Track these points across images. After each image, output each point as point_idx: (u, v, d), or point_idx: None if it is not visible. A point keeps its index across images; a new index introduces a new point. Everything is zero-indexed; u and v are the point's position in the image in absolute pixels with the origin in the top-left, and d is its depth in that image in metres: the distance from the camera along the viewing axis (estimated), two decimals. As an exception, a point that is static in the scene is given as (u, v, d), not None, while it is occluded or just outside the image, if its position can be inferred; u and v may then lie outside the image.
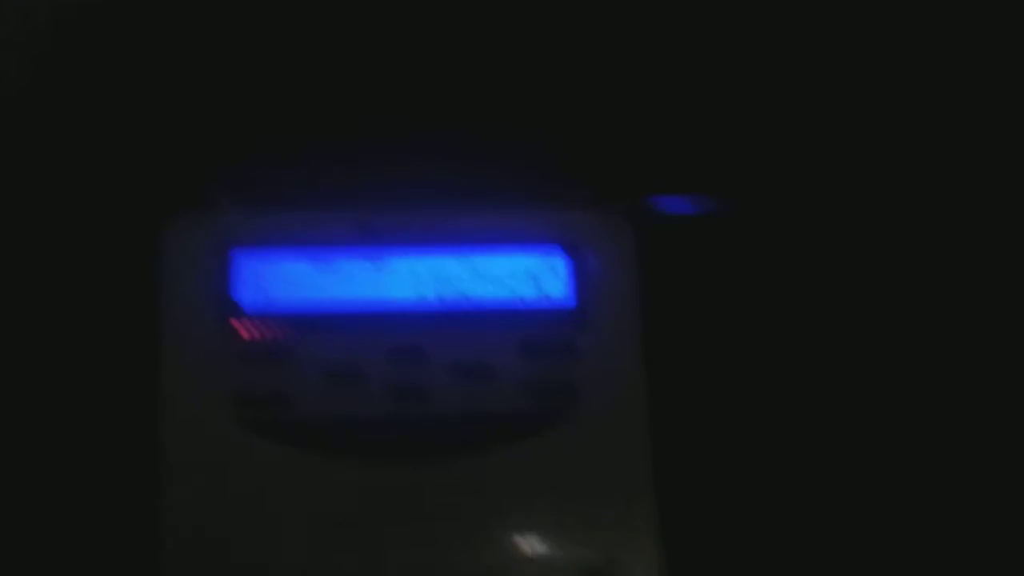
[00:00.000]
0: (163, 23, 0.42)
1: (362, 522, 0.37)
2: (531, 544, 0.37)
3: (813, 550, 0.41)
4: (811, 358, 0.43)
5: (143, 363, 0.38)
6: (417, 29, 0.44)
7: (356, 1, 0.43)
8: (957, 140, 0.45)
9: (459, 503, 0.37)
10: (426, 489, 0.37)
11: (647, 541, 0.38)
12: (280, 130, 0.42)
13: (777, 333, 0.43)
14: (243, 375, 0.37)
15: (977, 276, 0.44)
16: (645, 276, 0.41)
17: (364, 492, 0.37)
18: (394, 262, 0.39)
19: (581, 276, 0.40)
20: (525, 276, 0.40)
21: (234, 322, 0.38)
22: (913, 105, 0.45)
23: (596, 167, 0.43)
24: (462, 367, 0.38)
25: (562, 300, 0.40)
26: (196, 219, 0.39)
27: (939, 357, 0.43)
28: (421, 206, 0.40)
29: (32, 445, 0.38)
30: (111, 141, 0.42)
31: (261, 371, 0.38)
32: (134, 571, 0.37)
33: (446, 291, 0.39)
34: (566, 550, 0.37)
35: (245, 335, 0.38)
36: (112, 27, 0.42)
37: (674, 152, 0.44)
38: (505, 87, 0.44)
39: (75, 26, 0.42)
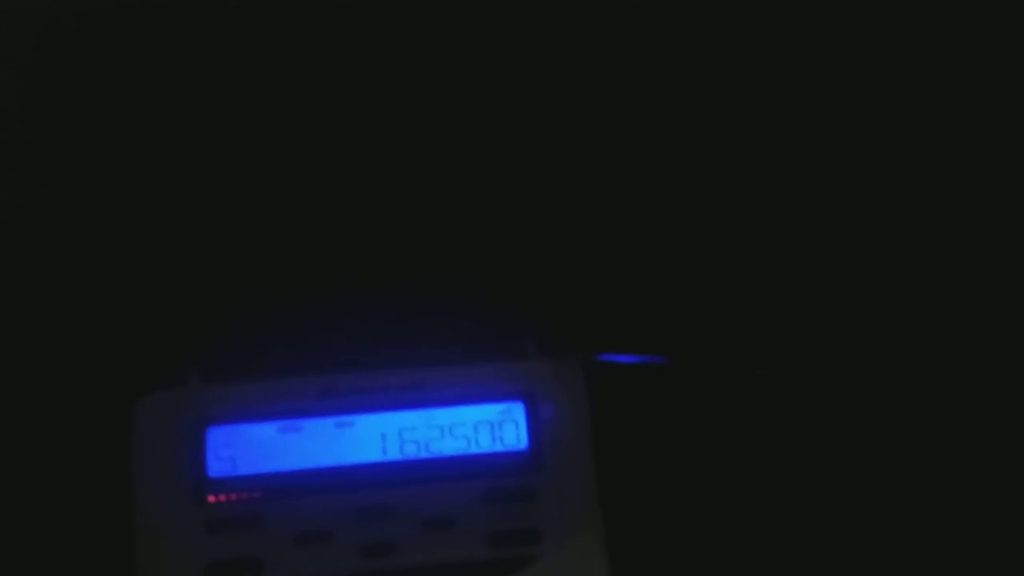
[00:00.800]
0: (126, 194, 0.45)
1: None
2: None
3: None
4: (764, 494, 0.45)
5: (117, 536, 0.39)
6: (365, 186, 0.47)
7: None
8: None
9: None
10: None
11: None
12: (246, 298, 0.45)
13: (725, 467, 0.45)
14: (216, 544, 0.39)
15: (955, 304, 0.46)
16: (598, 419, 0.43)
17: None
18: (358, 423, 0.41)
19: (538, 423, 0.42)
20: (485, 427, 0.42)
21: (207, 494, 0.39)
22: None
23: (549, 319, 0.46)
24: (429, 521, 0.40)
25: (520, 448, 0.42)
26: (165, 394, 0.40)
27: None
28: (382, 366, 0.42)
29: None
30: (82, 321, 0.44)
31: (234, 539, 0.39)
32: None
33: (410, 447, 0.41)
34: None
35: (216, 505, 0.39)
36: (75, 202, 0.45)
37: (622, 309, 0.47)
38: (462, 243, 0.47)
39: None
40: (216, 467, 0.40)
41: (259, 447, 0.40)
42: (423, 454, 0.41)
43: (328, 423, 0.41)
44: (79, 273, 0.45)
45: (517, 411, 0.42)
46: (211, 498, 0.39)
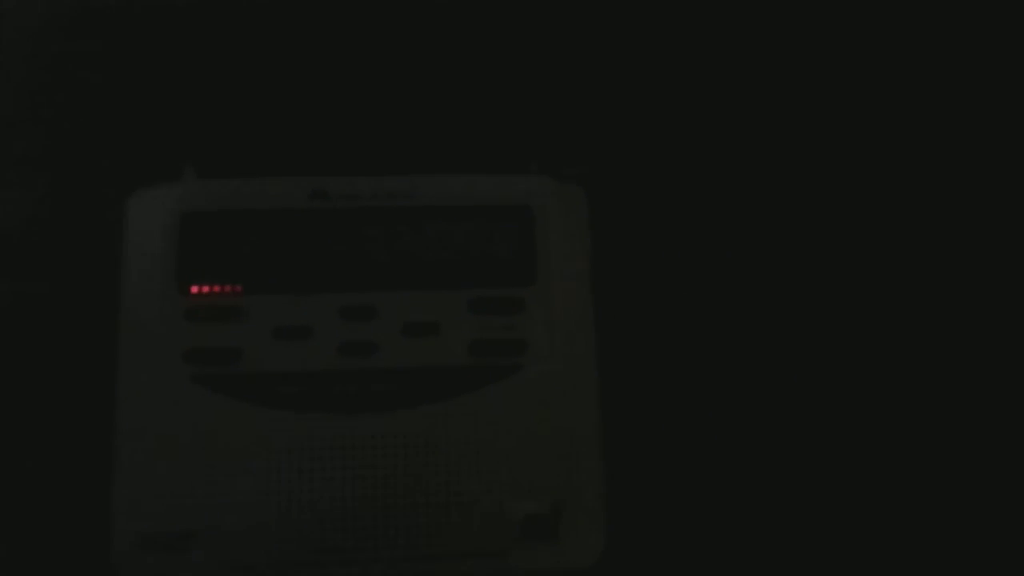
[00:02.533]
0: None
1: (307, 469, 0.37)
2: (476, 490, 0.37)
3: (749, 501, 0.41)
4: (758, 317, 0.43)
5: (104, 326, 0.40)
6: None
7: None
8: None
9: (408, 450, 0.37)
10: (373, 438, 0.37)
11: (591, 488, 0.37)
12: (244, 97, 0.44)
13: (725, 291, 0.43)
14: (196, 332, 0.38)
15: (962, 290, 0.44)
16: (596, 239, 0.42)
17: (310, 441, 0.37)
18: (346, 223, 0.40)
19: (533, 235, 0.40)
20: (477, 235, 0.40)
21: (190, 284, 0.39)
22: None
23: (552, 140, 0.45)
24: (411, 325, 0.39)
25: (512, 258, 0.40)
26: (156, 189, 0.40)
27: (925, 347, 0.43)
28: (377, 172, 0.41)
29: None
30: (84, 123, 0.44)
31: (214, 329, 0.38)
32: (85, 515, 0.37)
33: (396, 250, 0.40)
34: (511, 496, 0.37)
35: (198, 295, 0.39)
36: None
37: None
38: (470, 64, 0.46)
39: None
40: (200, 258, 0.39)
41: (244, 242, 0.40)
42: (410, 259, 0.40)
43: (315, 222, 0.40)
44: (84, 80, 0.45)
45: (512, 221, 0.41)
46: (194, 288, 0.39)
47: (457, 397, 0.38)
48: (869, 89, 0.46)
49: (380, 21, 0.46)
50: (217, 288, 0.39)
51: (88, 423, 0.39)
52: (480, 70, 0.46)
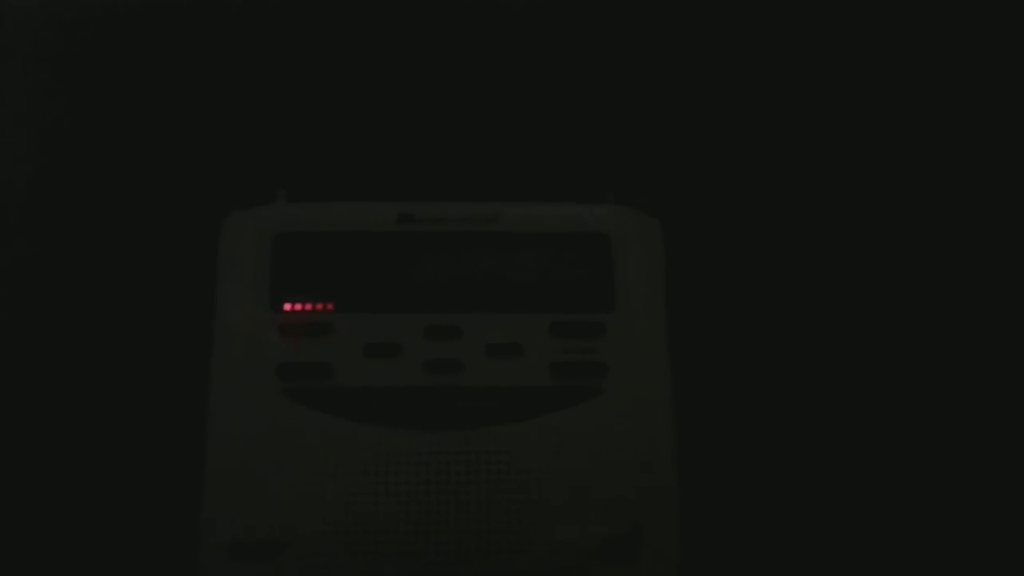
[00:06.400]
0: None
1: (393, 483, 0.38)
2: (556, 510, 0.38)
3: (820, 521, 0.42)
4: (830, 341, 0.44)
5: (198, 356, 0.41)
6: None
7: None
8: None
9: (490, 468, 0.38)
10: (457, 455, 0.38)
11: (668, 510, 0.38)
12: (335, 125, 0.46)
13: (792, 322, 0.44)
14: (289, 349, 0.40)
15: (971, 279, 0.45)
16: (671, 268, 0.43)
17: (396, 455, 0.38)
18: (432, 246, 0.41)
19: (613, 262, 0.42)
20: (559, 262, 0.42)
21: (283, 302, 0.41)
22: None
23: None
24: (495, 346, 0.40)
25: (594, 284, 0.41)
26: (250, 211, 0.42)
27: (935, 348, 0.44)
28: (461, 199, 0.43)
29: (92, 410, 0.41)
30: (182, 147, 0.46)
31: (305, 345, 0.40)
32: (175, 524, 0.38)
33: (482, 273, 0.41)
34: (590, 517, 0.38)
35: (291, 312, 0.41)
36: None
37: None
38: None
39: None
40: (293, 277, 0.41)
41: (335, 262, 0.41)
42: (493, 281, 0.41)
43: (403, 245, 0.41)
44: (178, 105, 0.47)
45: (592, 249, 0.42)
46: (287, 306, 0.41)
47: (539, 417, 0.39)
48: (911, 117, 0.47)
49: (465, 54, 0.48)
50: (309, 306, 0.41)
51: (182, 434, 0.41)
52: (559, 103, 0.48)
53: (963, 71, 0.48)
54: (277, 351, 0.40)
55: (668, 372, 0.41)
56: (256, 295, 0.41)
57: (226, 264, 0.41)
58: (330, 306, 0.41)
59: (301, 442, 0.38)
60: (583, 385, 0.40)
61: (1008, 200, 0.47)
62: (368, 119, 0.47)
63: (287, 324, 0.40)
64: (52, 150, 0.46)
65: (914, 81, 0.48)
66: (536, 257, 0.42)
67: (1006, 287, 0.45)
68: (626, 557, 0.38)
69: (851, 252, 0.46)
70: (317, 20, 0.48)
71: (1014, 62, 0.47)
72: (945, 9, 0.48)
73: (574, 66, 0.48)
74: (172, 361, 0.43)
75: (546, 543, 0.38)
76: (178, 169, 0.46)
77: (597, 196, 0.44)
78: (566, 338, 0.41)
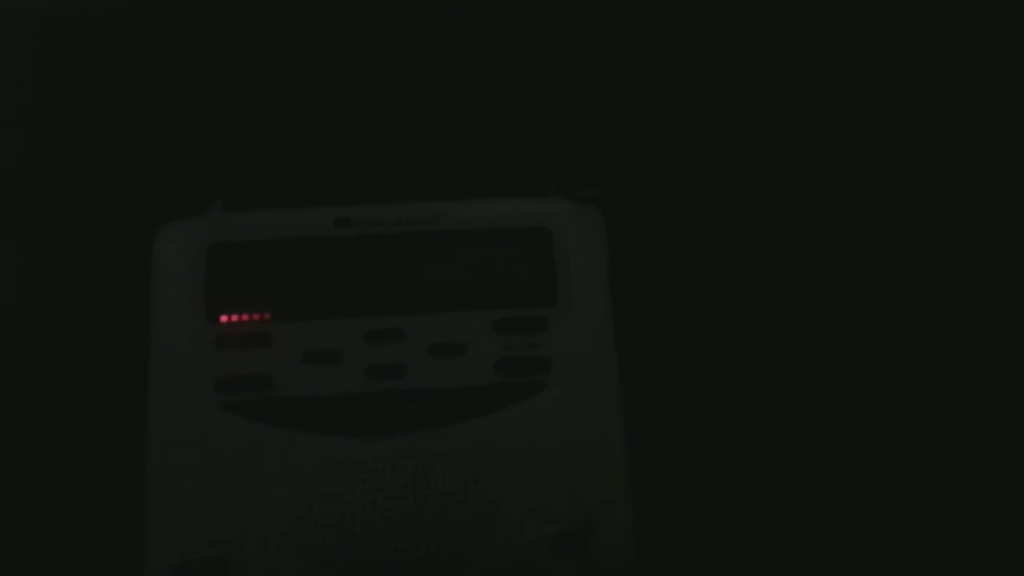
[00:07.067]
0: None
1: (339, 491, 0.37)
2: (506, 508, 0.37)
3: (775, 508, 0.42)
4: (776, 330, 0.44)
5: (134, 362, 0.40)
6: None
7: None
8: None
9: (439, 470, 0.38)
10: (404, 459, 0.38)
11: (620, 501, 0.38)
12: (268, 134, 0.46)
13: (741, 304, 0.44)
14: (226, 361, 0.39)
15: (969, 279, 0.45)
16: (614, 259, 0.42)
17: (341, 463, 0.38)
18: (371, 250, 0.41)
19: (554, 257, 0.41)
20: (500, 259, 0.41)
21: (219, 314, 0.40)
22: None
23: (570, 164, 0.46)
24: (437, 347, 0.39)
25: (534, 280, 0.41)
26: (185, 222, 0.41)
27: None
28: (398, 199, 0.42)
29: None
30: (115, 157, 0.46)
31: (243, 356, 0.39)
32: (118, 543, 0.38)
33: (422, 275, 0.41)
34: (541, 513, 0.37)
35: (228, 324, 0.40)
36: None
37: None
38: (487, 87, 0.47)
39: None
40: (228, 288, 0.40)
41: (271, 271, 0.41)
42: (434, 282, 0.41)
43: (340, 250, 0.41)
44: (113, 116, 0.46)
45: (532, 243, 0.41)
46: (223, 318, 0.40)
47: (485, 416, 0.39)
48: (880, 103, 0.47)
49: (398, 52, 0.48)
50: (246, 316, 0.40)
51: (120, 452, 0.40)
52: (497, 97, 0.47)
53: (920, 55, 0.48)
54: (214, 364, 0.39)
55: (615, 364, 0.40)
56: (191, 308, 0.40)
57: (160, 276, 0.41)
58: (267, 316, 0.40)
59: (243, 456, 0.38)
60: (528, 381, 0.39)
61: (974, 190, 0.46)
62: (300, 123, 0.46)
63: (224, 336, 0.39)
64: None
65: (858, 62, 0.48)
66: (477, 254, 0.41)
67: (974, 277, 0.45)
68: (578, 552, 0.38)
69: (800, 239, 0.46)
70: (247, 27, 0.47)
71: (998, 61, 0.47)
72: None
73: (512, 60, 0.48)
74: (108, 376, 0.42)
75: (497, 543, 0.37)
76: (115, 180, 0.45)
77: (539, 190, 0.44)
78: (509, 334, 0.40)
